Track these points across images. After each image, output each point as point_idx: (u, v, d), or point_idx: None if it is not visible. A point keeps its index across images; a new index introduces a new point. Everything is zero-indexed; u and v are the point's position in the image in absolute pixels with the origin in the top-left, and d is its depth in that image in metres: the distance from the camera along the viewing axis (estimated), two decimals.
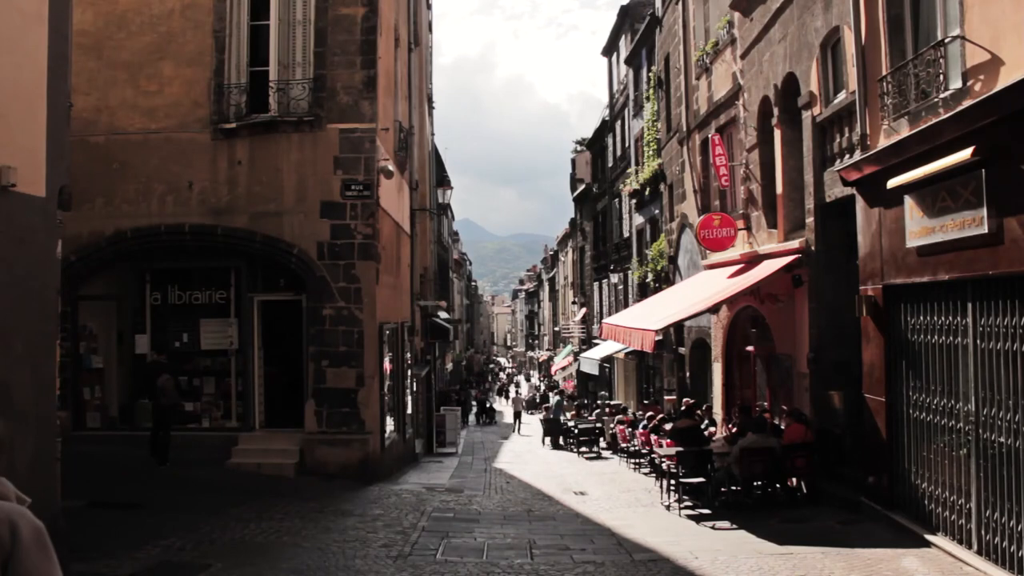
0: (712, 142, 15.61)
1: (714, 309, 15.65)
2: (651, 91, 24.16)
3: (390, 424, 14.47)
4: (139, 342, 13.45)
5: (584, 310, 41.64)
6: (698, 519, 10.71)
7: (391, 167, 13.38)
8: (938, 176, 7.32)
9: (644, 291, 24.39)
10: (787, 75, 12.21)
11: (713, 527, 10.15)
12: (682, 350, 20.35)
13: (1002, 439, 6.64)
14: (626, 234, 30.30)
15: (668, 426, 14.55)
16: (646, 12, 26.72)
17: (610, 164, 34.84)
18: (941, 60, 7.45)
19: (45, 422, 6.49)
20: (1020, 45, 6.24)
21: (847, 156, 10.09)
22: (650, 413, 18.30)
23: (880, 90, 8.67)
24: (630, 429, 18.77)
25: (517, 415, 34.69)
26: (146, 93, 12.78)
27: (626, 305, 27.08)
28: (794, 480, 11.47)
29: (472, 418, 34.81)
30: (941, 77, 7.44)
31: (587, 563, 7.95)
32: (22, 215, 6.17)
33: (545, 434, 26.08)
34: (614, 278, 32.50)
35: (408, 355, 17.11)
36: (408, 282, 17.78)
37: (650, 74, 24.72)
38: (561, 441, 25.03)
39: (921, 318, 8.14)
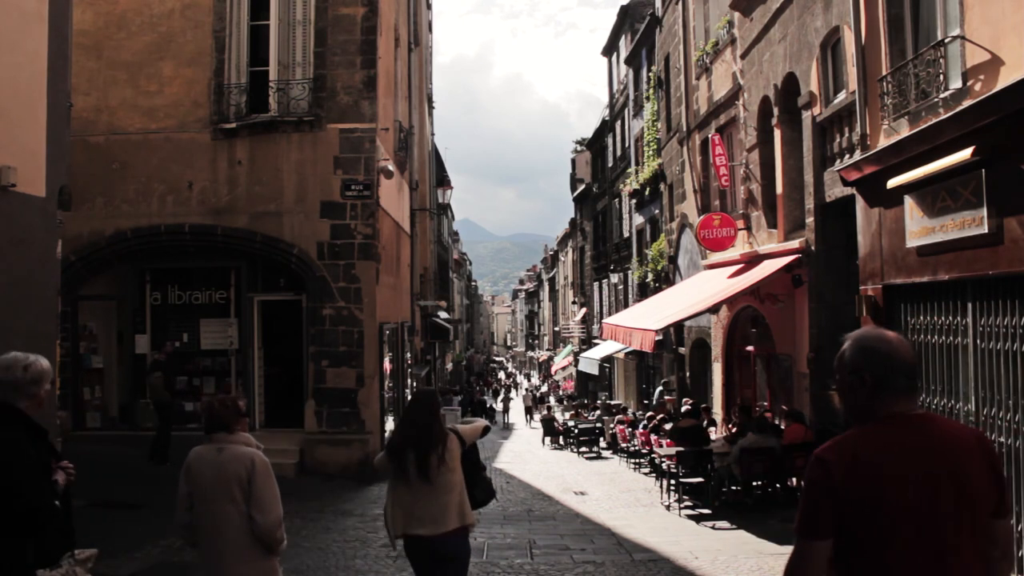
0: (712, 142, 15.61)
1: (714, 309, 15.65)
2: (651, 91, 24.17)
3: (390, 424, 14.46)
4: (139, 342, 13.45)
5: (584, 310, 41.65)
6: (698, 519, 10.71)
7: (391, 167, 13.38)
8: (938, 176, 7.32)
9: (644, 291, 24.39)
10: (787, 75, 12.21)
11: (713, 527, 10.15)
12: (682, 350, 20.36)
13: (1002, 439, 6.64)
14: (626, 234, 30.31)
15: (668, 426, 14.56)
16: (646, 12, 26.72)
17: (610, 164, 34.85)
18: (941, 60, 7.44)
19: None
20: (1020, 45, 6.24)
21: (847, 156, 10.09)
22: (650, 413, 18.30)
23: (880, 90, 8.67)
24: (630, 429, 18.78)
25: (528, 410, 37.11)
26: (146, 93, 12.78)
27: (626, 305, 27.08)
28: (794, 480, 11.47)
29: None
30: (941, 77, 7.44)
31: (587, 563, 7.96)
32: (22, 215, 6.17)
33: (545, 434, 26.09)
34: (614, 278, 32.51)
35: (408, 355, 17.11)
36: (408, 282, 17.79)
37: (650, 74, 24.73)
38: (561, 441, 25.07)
39: (921, 318, 8.15)
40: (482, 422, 5.24)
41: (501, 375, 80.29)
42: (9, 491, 3.31)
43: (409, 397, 17.62)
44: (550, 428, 25.92)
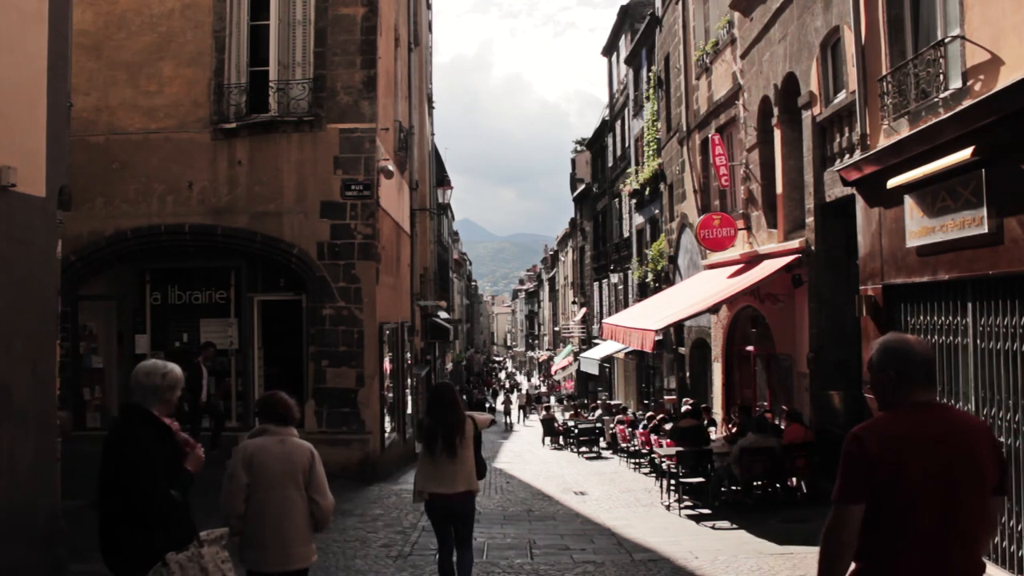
0: (712, 142, 15.61)
1: (714, 309, 15.65)
2: (651, 91, 24.17)
3: (390, 424, 14.46)
4: (139, 342, 13.42)
5: (584, 310, 41.65)
6: (698, 519, 10.72)
7: (391, 167, 13.38)
8: (938, 176, 7.32)
9: (644, 291, 24.39)
10: (787, 75, 12.22)
11: (713, 527, 10.16)
12: (682, 350, 20.36)
13: (1002, 439, 6.64)
14: (626, 234, 30.31)
15: (668, 426, 14.56)
16: (646, 12, 26.73)
17: (610, 164, 34.85)
18: (941, 60, 7.45)
19: (45, 422, 6.48)
20: (1020, 45, 6.25)
21: (847, 156, 10.09)
22: (650, 414, 18.30)
23: (880, 90, 8.67)
24: (630, 429, 18.78)
25: (522, 408, 37.83)
26: (146, 93, 12.76)
27: (626, 305, 27.08)
28: (794, 480, 11.48)
29: None
30: (941, 77, 7.44)
31: (587, 563, 7.96)
32: (22, 215, 6.16)
33: (545, 434, 26.08)
34: (614, 278, 32.51)
35: (408, 355, 17.10)
36: (408, 282, 17.79)
37: (650, 74, 24.73)
38: (561, 441, 25.06)
39: (921, 318, 8.15)
40: (490, 416, 6.59)
41: (502, 375, 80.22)
42: (134, 487, 3.74)
43: (412, 391, 17.70)
44: (550, 428, 25.91)
